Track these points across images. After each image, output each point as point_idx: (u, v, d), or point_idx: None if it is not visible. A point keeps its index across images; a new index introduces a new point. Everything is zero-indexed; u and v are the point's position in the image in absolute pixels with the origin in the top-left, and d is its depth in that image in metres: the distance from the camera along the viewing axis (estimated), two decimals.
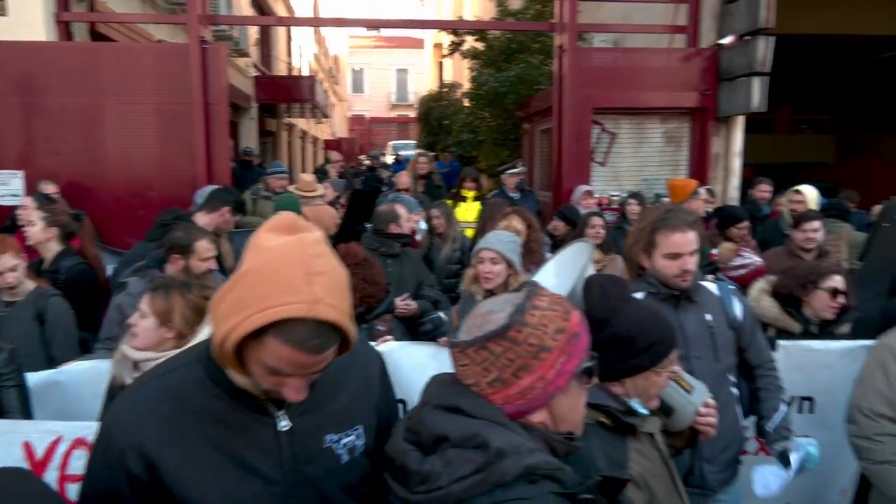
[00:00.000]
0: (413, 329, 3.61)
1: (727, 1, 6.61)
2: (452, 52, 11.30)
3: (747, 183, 7.12)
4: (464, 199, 7.14)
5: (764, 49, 6.10)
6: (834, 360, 2.77)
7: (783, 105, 18.53)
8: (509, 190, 7.23)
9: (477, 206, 6.81)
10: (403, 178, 6.30)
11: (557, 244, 5.45)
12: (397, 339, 2.98)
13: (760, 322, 2.69)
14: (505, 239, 3.07)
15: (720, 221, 5.37)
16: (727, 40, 6.44)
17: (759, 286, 2.96)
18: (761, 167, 17.20)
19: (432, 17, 27.03)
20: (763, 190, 6.43)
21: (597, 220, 4.70)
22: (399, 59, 43.86)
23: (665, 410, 1.70)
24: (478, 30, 10.61)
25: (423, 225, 5.41)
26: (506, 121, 10.41)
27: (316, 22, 19.33)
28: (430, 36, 30.29)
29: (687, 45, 6.95)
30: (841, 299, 2.78)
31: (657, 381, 1.51)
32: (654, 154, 7.05)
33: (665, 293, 2.24)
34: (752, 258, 3.67)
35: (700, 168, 6.90)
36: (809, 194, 5.81)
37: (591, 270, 1.71)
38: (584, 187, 6.13)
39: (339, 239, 4.53)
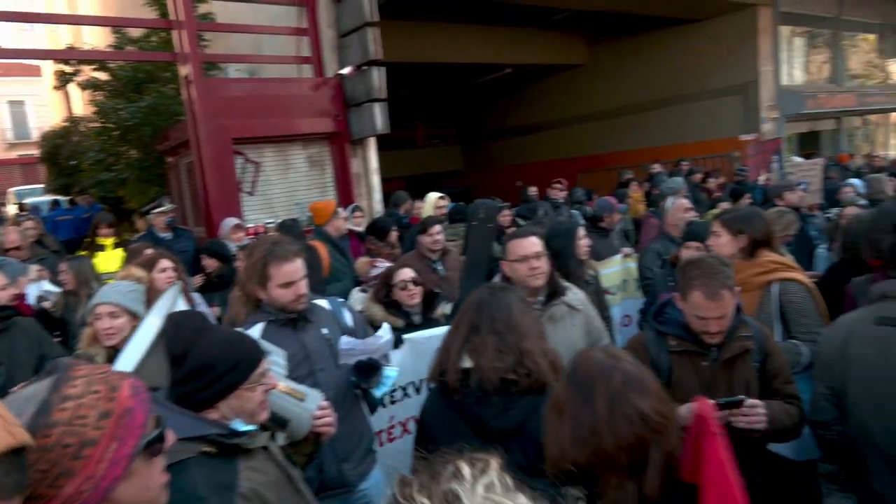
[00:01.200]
0: None
1: (341, 35, 7.24)
2: (64, 83, 9.96)
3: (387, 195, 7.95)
4: (101, 247, 6.40)
5: (378, 78, 6.86)
6: None
7: (418, 123, 21.20)
8: (159, 230, 6.72)
9: (120, 253, 6.16)
10: (11, 236, 5.32)
11: (212, 282, 5.26)
12: None
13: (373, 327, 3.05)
14: (123, 289, 2.86)
15: (377, 233, 5.87)
16: (346, 71, 7.06)
17: (367, 295, 3.35)
18: (409, 179, 19.36)
19: (44, 44, 23.28)
20: (401, 202, 7.24)
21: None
22: (11, 90, 36.67)
23: (279, 422, 1.81)
24: (96, 59, 9.58)
25: (46, 286, 4.69)
26: (148, 155, 9.63)
27: None
28: (49, 62, 26.11)
29: (314, 74, 7.39)
30: (413, 288, 3.28)
31: (252, 397, 1.59)
32: (301, 178, 7.32)
33: (284, 318, 2.40)
34: (384, 265, 4.10)
35: (345, 187, 7.42)
36: (428, 199, 6.73)
37: (179, 308, 1.73)
38: (233, 221, 6.00)
39: None
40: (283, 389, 1.84)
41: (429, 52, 13.74)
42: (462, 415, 1.91)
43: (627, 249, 5.26)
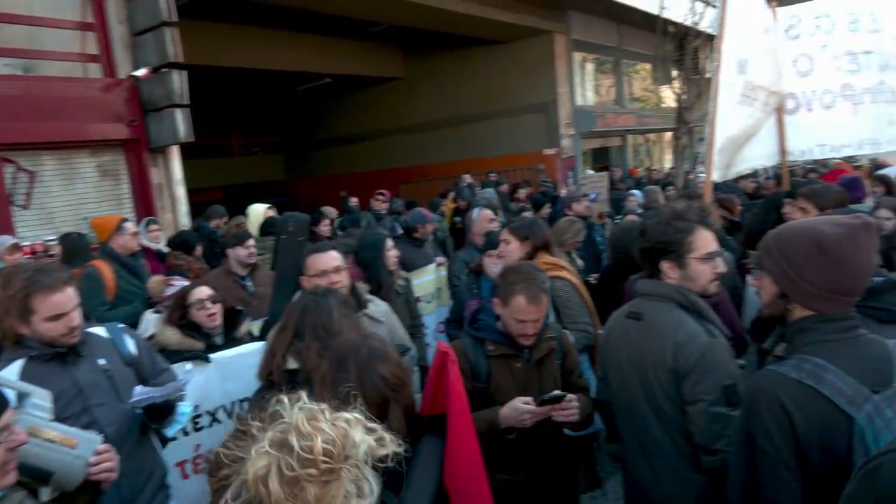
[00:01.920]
0: None
1: (136, 33, 6.63)
2: None
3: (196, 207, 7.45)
4: None
5: (179, 82, 6.37)
6: (256, 358, 3.10)
7: (233, 131, 20.18)
8: None
9: None
10: None
11: None
12: None
13: (168, 351, 2.81)
14: None
15: (182, 248, 5.42)
16: (141, 72, 6.47)
17: (161, 318, 3.09)
18: (228, 189, 18.33)
19: None
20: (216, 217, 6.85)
21: None
22: None
23: (41, 476, 1.60)
24: None
25: None
26: None
27: None
28: None
29: (104, 74, 6.67)
30: (212, 307, 3.09)
31: None
32: (90, 190, 6.55)
33: (51, 353, 2.12)
34: (181, 283, 3.81)
35: (144, 199, 6.78)
36: (254, 211, 6.47)
37: None
38: (8, 239, 5.10)
39: None
40: (44, 437, 1.61)
41: (238, 57, 13.12)
42: None
43: (440, 259, 5.46)
